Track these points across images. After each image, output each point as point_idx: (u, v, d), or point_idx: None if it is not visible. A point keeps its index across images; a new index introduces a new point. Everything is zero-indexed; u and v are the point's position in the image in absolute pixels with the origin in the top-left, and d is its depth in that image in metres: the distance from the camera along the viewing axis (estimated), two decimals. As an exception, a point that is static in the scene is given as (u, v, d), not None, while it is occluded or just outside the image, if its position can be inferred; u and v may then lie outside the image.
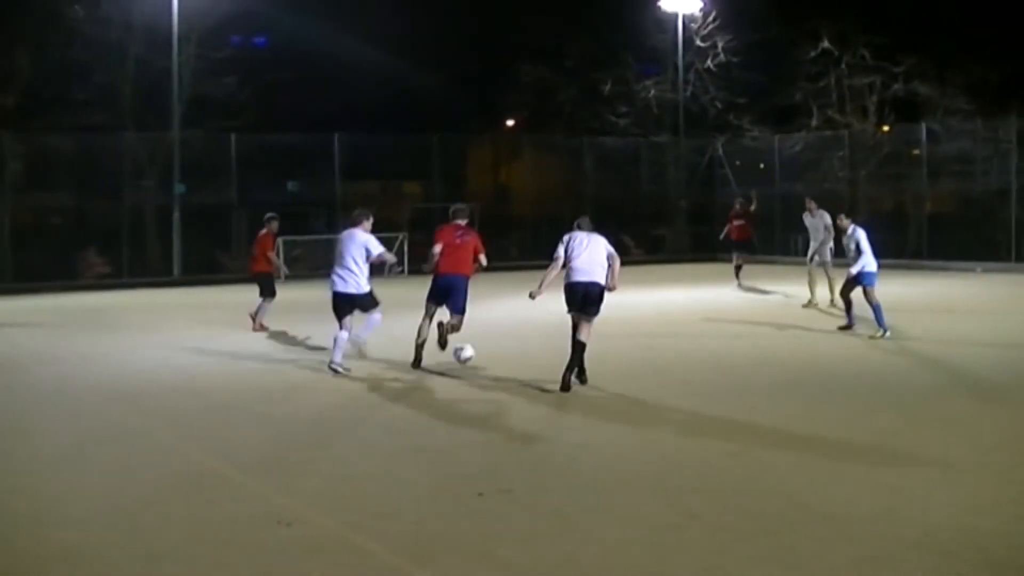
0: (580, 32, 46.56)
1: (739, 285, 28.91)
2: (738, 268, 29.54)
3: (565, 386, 13.94)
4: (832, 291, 23.12)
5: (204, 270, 35.74)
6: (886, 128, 41.79)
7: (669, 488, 9.41)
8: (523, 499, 9.07)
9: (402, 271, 15.99)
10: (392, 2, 48.85)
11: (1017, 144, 36.11)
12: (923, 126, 39.28)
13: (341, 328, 15.99)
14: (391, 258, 16.57)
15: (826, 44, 40.99)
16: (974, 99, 38.90)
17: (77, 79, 36.48)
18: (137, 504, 9.11)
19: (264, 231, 21.57)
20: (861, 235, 18.87)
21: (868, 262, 18.71)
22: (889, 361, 16.47)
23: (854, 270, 18.81)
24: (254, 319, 21.18)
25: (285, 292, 21.81)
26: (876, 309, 18.71)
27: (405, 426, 12.15)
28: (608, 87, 45.73)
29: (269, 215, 21.74)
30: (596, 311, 14.35)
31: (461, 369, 15.62)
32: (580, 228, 14.71)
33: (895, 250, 36.33)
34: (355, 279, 15.89)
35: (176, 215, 36.82)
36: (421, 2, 50.11)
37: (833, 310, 22.35)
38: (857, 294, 18.90)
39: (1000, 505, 8.83)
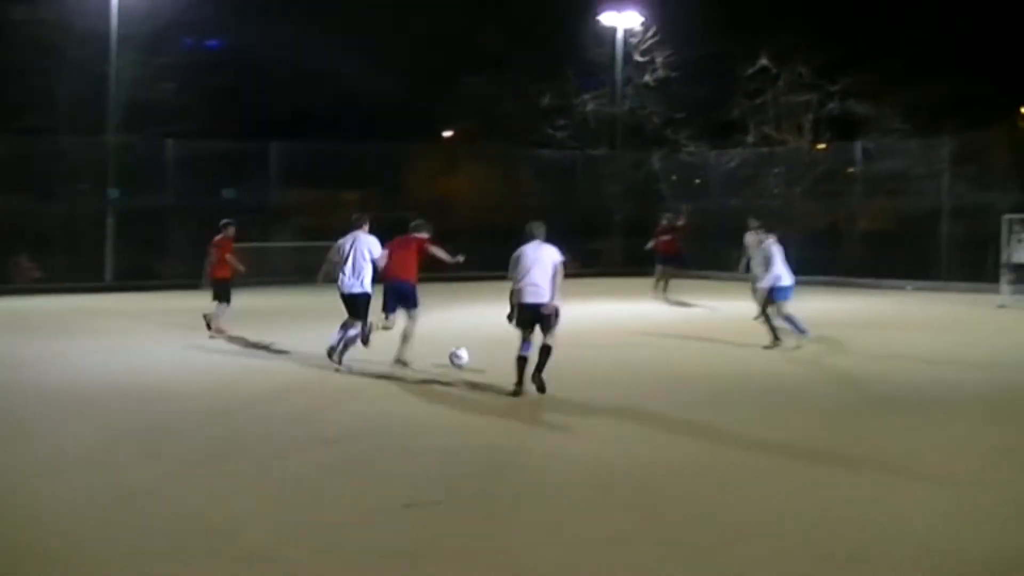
0: (520, 45, 46.58)
1: (666, 299, 29.39)
2: (660, 281, 30.07)
3: (540, 388, 14.31)
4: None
5: (138, 276, 35.42)
6: (822, 146, 42.14)
7: (636, 492, 9.49)
8: (469, 509, 9.04)
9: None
10: (336, 10, 48.67)
11: (950, 164, 36.54)
12: (858, 145, 39.68)
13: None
14: (380, 265, 16.75)
15: (764, 62, 41.30)
16: (909, 119, 39.30)
17: (13, 81, 36.10)
18: (74, 515, 8.98)
19: (221, 236, 21.54)
20: (774, 251, 19.10)
21: (780, 276, 18.93)
22: (821, 374, 16.72)
23: (764, 284, 19.08)
24: (210, 325, 21.05)
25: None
26: (789, 320, 19.09)
27: (356, 433, 12.08)
28: (547, 100, 45.82)
29: (225, 220, 21.81)
30: (552, 324, 14.47)
31: (417, 375, 15.93)
32: (534, 235, 14.66)
33: (828, 267, 36.65)
34: (359, 279, 16.57)
35: (110, 220, 36.50)
36: (363, 11, 49.95)
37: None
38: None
39: (993, 507, 9.10)
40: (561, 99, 46.30)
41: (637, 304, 28.51)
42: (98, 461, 10.82)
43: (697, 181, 44.86)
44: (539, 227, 14.77)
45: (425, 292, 17.05)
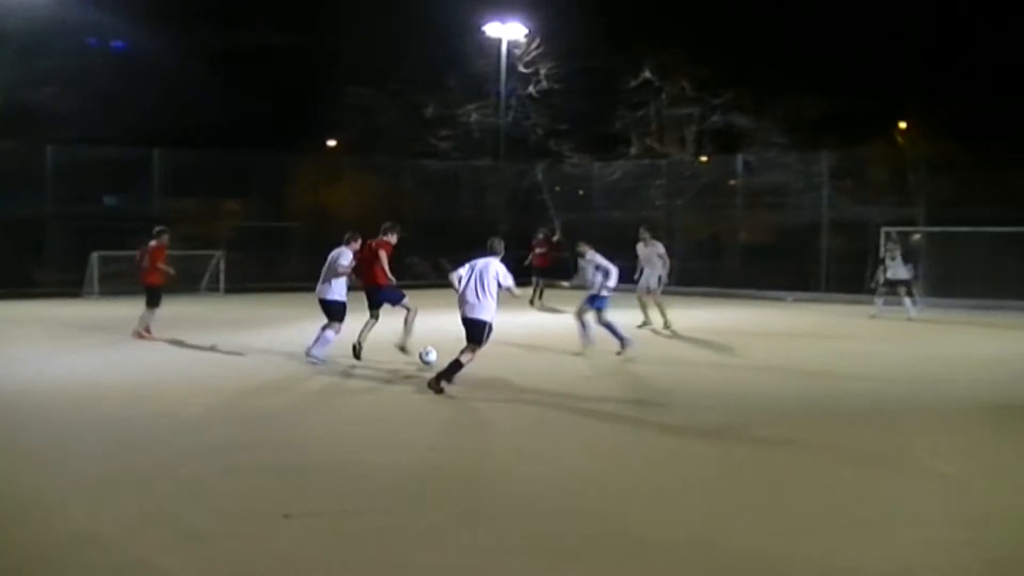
0: (404, 55, 46.45)
1: (541, 307, 30.28)
2: (536, 292, 30.90)
3: (436, 390, 14.76)
4: (664, 315, 24.30)
5: (15, 283, 34.72)
6: (704, 158, 42.59)
7: (525, 502, 9.42)
8: (346, 520, 8.91)
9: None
10: (219, 18, 48.19)
11: (829, 178, 37.06)
12: (739, 158, 40.11)
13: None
14: (347, 270, 18.15)
15: (647, 75, 41.68)
16: (789, 133, 39.96)
17: None
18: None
19: (155, 243, 22.16)
20: (600, 260, 19.32)
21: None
22: (705, 383, 16.79)
23: (596, 290, 19.25)
24: (142, 333, 21.55)
25: (101, 309, 21.57)
26: (609, 327, 19.34)
27: (247, 442, 11.93)
28: (431, 110, 45.81)
29: (159, 228, 22.79)
30: (478, 339, 15.11)
31: (329, 383, 16.27)
32: (494, 251, 15.55)
33: (710, 278, 37.04)
34: (331, 287, 18.04)
35: (-12, 227, 35.80)
36: (247, 18, 49.57)
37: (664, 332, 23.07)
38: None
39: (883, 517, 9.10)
40: (445, 109, 46.31)
41: (517, 315, 28.52)
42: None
43: (580, 193, 45.01)
44: (499, 243, 15.73)
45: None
